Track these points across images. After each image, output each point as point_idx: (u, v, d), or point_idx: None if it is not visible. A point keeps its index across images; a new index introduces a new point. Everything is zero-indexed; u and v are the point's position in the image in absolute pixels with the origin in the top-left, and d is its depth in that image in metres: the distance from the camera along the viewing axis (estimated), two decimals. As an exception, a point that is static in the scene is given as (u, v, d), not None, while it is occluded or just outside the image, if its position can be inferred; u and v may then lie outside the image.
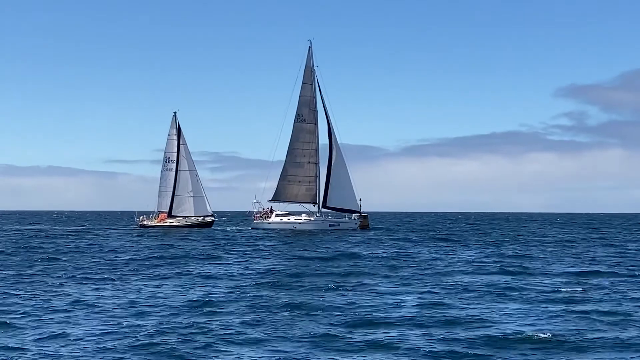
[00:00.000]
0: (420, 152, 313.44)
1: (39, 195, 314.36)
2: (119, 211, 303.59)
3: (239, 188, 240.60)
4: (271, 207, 78.01)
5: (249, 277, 30.29)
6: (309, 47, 79.05)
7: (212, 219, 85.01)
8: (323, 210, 76.61)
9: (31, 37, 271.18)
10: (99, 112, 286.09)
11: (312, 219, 76.03)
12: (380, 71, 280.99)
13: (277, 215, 77.22)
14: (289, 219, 76.54)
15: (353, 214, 76.31)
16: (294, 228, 74.22)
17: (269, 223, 76.42)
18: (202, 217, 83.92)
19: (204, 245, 51.40)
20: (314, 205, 77.17)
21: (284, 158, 78.42)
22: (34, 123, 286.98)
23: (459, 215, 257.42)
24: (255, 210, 78.88)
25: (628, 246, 53.76)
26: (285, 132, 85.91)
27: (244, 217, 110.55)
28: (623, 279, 30.14)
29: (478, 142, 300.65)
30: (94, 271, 32.60)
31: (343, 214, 76.51)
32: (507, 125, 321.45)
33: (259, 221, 77.98)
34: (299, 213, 77.39)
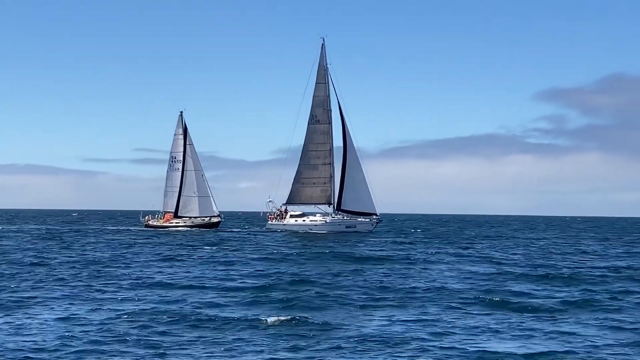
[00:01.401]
0: (400, 153, 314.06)
1: (17, 194, 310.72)
2: (99, 210, 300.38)
3: (217, 188, 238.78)
4: (286, 207, 77.31)
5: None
6: (322, 44, 77.64)
7: (219, 219, 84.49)
8: (338, 211, 75.62)
9: (11, 31, 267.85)
10: (77, 110, 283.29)
11: (327, 220, 75.26)
12: (360, 73, 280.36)
13: (291, 216, 76.57)
14: (304, 220, 75.91)
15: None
16: (309, 230, 73.58)
17: (284, 224, 75.77)
18: (208, 218, 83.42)
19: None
20: (329, 206, 76.27)
21: (291, 159, 77.85)
22: (11, 120, 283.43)
23: (443, 218, 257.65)
24: (270, 210, 78.11)
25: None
26: (298, 132, 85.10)
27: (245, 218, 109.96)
28: None
29: (458, 144, 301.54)
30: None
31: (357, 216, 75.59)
32: (486, 127, 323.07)
33: (273, 222, 77.30)
34: (314, 213, 76.80)
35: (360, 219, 75.41)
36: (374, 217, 75.69)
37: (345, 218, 75.58)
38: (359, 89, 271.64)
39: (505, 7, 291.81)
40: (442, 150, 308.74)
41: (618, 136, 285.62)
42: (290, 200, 76.56)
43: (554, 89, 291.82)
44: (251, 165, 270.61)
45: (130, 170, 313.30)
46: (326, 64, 77.00)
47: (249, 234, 73.91)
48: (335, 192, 75.79)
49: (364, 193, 74.67)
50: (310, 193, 76.14)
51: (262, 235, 69.70)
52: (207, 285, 28.63)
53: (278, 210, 77.66)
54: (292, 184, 76.46)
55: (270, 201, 77.74)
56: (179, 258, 41.52)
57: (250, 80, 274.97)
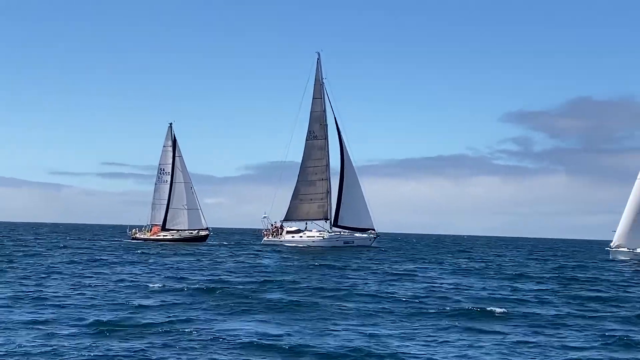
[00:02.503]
0: (368, 172, 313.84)
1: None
2: (60, 223, 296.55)
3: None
4: (282, 223, 76.56)
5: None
6: (318, 59, 77.02)
7: (207, 232, 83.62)
8: (334, 228, 75.15)
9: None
10: (43, 122, 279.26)
11: (325, 235, 74.53)
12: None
13: (287, 232, 75.77)
14: (300, 236, 75.10)
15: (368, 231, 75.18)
16: (307, 246, 72.53)
17: (281, 241, 74.94)
18: (196, 231, 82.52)
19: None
20: (325, 222, 75.60)
21: (286, 175, 77.40)
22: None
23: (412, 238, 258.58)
24: (264, 227, 77.22)
25: None
26: (293, 148, 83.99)
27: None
28: None
29: (425, 164, 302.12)
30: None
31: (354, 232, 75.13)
32: (454, 148, 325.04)
33: (269, 239, 76.44)
34: (309, 229, 75.88)
35: (357, 235, 74.84)
36: (372, 232, 75.24)
37: (342, 233, 75.05)
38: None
39: (474, 31, 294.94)
40: (409, 170, 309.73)
41: (584, 159, 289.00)
42: (288, 217, 75.80)
43: (521, 112, 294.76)
44: (219, 181, 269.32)
45: (97, 184, 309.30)
46: (322, 79, 76.57)
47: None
48: (332, 207, 75.21)
49: (361, 209, 74.12)
50: (308, 209, 75.45)
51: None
52: (157, 287, 28.87)
53: (272, 226, 76.87)
54: (290, 200, 75.76)
55: (265, 217, 76.96)
56: (145, 263, 42.78)
57: (217, 96, 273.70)
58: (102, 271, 36.44)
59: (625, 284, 37.52)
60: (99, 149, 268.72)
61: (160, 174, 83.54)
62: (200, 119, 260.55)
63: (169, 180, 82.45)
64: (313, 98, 76.43)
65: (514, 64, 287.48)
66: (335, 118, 75.82)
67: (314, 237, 74.67)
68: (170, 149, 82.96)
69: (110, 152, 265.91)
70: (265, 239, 77.12)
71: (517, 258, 66.45)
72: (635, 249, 64.30)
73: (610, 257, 65.85)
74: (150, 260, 46.26)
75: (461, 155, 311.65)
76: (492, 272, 42.71)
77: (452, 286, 32.64)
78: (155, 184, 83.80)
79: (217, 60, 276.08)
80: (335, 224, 74.69)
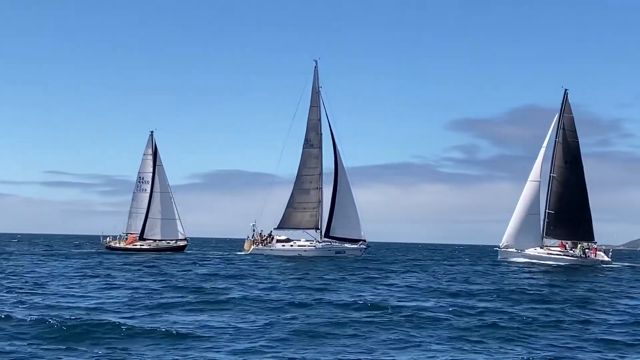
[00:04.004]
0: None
1: None
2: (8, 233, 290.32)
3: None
4: (271, 232, 75.76)
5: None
6: (315, 67, 76.53)
7: (185, 243, 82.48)
8: (325, 238, 74.57)
9: None
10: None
11: (317, 245, 73.96)
12: (275, 101, 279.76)
13: (278, 240, 75.00)
14: (291, 245, 74.32)
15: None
16: (299, 255, 71.92)
17: (271, 250, 74.08)
18: (174, 241, 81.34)
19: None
20: (316, 231, 75.05)
21: (278, 183, 77.01)
22: None
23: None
24: (252, 235, 76.18)
25: None
26: (285, 156, 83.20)
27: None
28: None
29: (373, 172, 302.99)
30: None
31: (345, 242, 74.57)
32: (400, 156, 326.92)
33: (259, 247, 75.43)
34: (298, 238, 75.23)
35: (347, 245, 74.33)
36: (362, 243, 74.80)
37: (334, 243, 74.53)
38: (269, 118, 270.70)
39: (420, 39, 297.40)
40: (358, 178, 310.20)
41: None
42: (282, 225, 75.15)
43: (467, 119, 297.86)
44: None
45: (40, 194, 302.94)
46: (318, 87, 76.24)
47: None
48: (323, 217, 74.82)
49: (353, 219, 73.77)
50: (300, 218, 74.99)
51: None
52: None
53: (259, 234, 75.96)
54: (285, 208, 75.15)
55: (253, 225, 76.00)
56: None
57: (168, 103, 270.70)
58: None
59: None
60: (41, 158, 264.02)
61: (139, 182, 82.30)
62: (143, 128, 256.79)
63: (148, 189, 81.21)
64: (310, 106, 76.26)
65: (459, 71, 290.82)
66: (330, 127, 75.48)
67: (305, 246, 74.14)
68: (151, 157, 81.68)
69: (53, 161, 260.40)
70: (254, 246, 76.21)
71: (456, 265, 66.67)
72: (523, 249, 65.27)
73: (499, 258, 66.72)
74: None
75: (408, 163, 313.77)
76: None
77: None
78: (134, 192, 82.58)
79: (170, 69, 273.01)
80: (326, 234, 74.26)
